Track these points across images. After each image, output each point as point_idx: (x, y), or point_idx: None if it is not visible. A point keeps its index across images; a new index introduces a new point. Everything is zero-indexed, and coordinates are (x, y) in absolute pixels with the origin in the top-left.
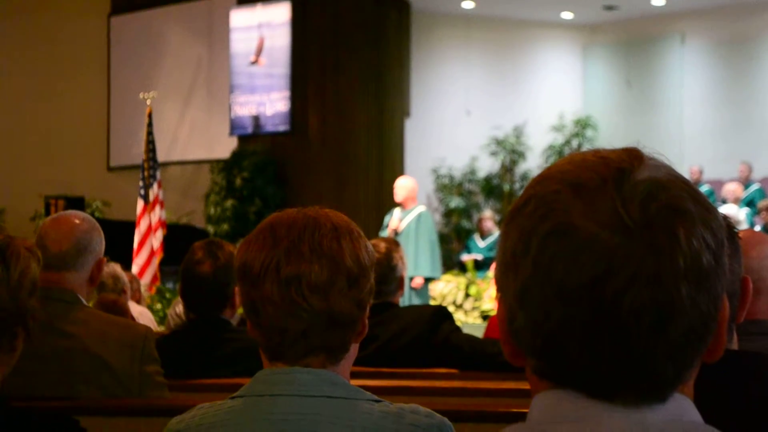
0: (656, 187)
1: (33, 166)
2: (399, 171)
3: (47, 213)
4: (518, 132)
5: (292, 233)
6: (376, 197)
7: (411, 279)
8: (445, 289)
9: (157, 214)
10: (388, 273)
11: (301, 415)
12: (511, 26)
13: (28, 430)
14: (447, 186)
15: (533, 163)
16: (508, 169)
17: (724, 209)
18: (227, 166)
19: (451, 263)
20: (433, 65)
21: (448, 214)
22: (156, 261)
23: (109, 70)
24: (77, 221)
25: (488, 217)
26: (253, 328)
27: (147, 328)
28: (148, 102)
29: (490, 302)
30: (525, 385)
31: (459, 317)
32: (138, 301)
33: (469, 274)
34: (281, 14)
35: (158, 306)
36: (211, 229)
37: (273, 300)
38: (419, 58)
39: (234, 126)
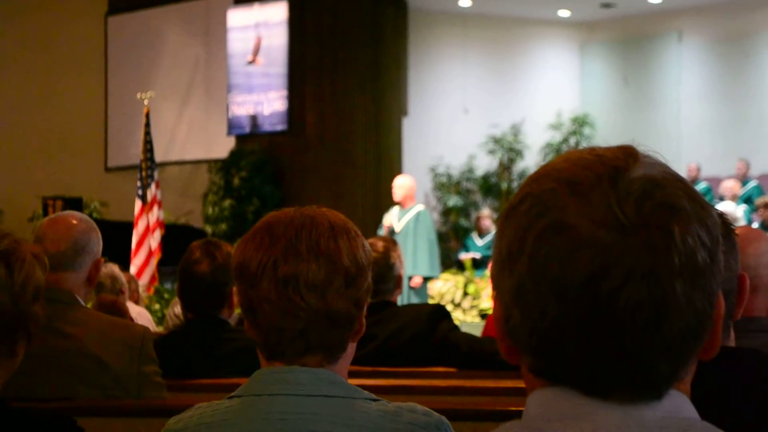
0: (651, 184)
1: (31, 166)
2: (397, 170)
3: (45, 214)
4: (516, 130)
5: (290, 232)
6: (374, 196)
7: (410, 278)
8: (444, 288)
9: (155, 214)
10: (386, 272)
11: (299, 415)
12: (508, 24)
13: (26, 430)
14: (445, 184)
15: (531, 161)
16: (505, 168)
17: (722, 206)
18: (225, 166)
19: (449, 262)
20: (430, 64)
21: (446, 212)
22: (154, 261)
23: (106, 70)
24: (75, 222)
25: (486, 215)
26: (250, 328)
27: (145, 329)
28: (146, 102)
29: (488, 301)
30: (523, 384)
31: (457, 316)
32: (136, 302)
33: (468, 273)
34: (278, 14)
35: (156, 306)
36: (209, 229)
37: (270, 299)
38: (417, 56)
39: (231, 126)
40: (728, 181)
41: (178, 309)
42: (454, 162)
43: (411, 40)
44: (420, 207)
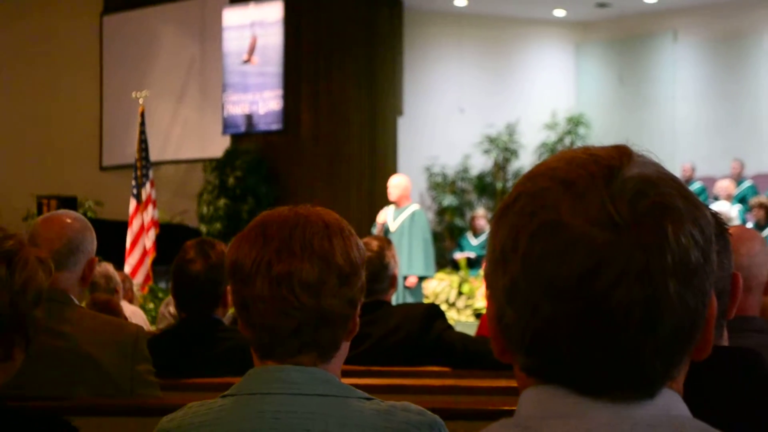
0: (645, 184)
1: (25, 165)
2: (392, 169)
3: (39, 213)
4: (511, 130)
5: (284, 231)
6: (369, 196)
7: (405, 278)
8: (438, 288)
9: (149, 213)
10: (381, 271)
11: (292, 413)
12: (503, 24)
13: (20, 430)
14: (440, 184)
15: (526, 161)
16: (500, 167)
17: (717, 206)
18: (220, 165)
19: (444, 261)
20: (425, 63)
21: (441, 212)
22: (148, 260)
23: (101, 69)
24: (69, 221)
25: (481, 215)
26: (244, 327)
27: (139, 328)
28: (141, 101)
29: (482, 300)
30: (517, 383)
31: (452, 315)
32: (130, 301)
33: (462, 273)
34: (274, 13)
35: (151, 305)
36: (203, 228)
37: (264, 298)
38: (412, 56)
39: (227, 125)
40: (723, 181)
41: (173, 308)
42: (449, 161)
43: (406, 40)
44: (415, 206)
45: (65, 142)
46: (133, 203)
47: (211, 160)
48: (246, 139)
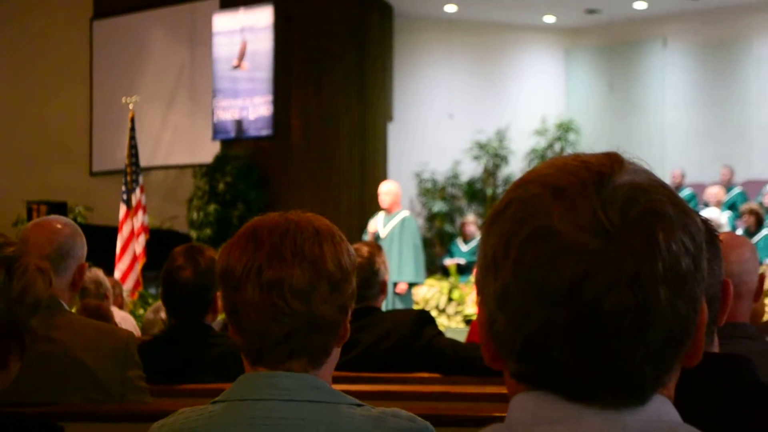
0: (636, 191)
1: (15, 170)
2: (382, 175)
3: (29, 218)
4: (501, 136)
5: (274, 237)
6: (359, 201)
7: (395, 284)
8: (428, 294)
9: (139, 219)
10: (371, 277)
11: (283, 419)
12: (493, 30)
13: None
14: (430, 190)
15: (516, 167)
16: (490, 173)
17: (706, 213)
18: (210, 171)
19: (434, 267)
20: (415, 69)
21: (431, 218)
22: (138, 266)
23: (91, 75)
24: (59, 226)
25: (471, 221)
26: (235, 333)
27: (129, 333)
28: (131, 106)
29: (473, 306)
30: (507, 390)
31: (442, 322)
32: (120, 307)
33: (452, 279)
34: (264, 18)
35: (141, 311)
36: (193, 233)
37: (255, 304)
38: (402, 62)
39: (217, 130)
40: (713, 188)
41: (164, 313)
42: (440, 167)
43: (396, 46)
44: (405, 213)
45: (55, 147)
46: (123, 209)
47: (201, 166)
48: (236, 144)
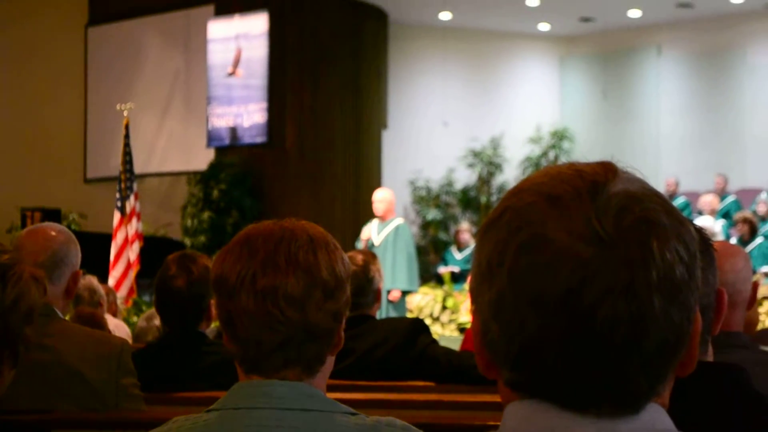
0: (630, 199)
1: (9, 177)
2: (376, 183)
3: (23, 225)
4: (495, 144)
5: (268, 245)
6: (353, 209)
7: (388, 292)
8: (422, 302)
9: (133, 226)
10: (365, 285)
11: (277, 428)
12: (488, 38)
13: None
14: (424, 198)
15: (510, 175)
16: (485, 181)
17: (700, 221)
18: (204, 178)
19: (428, 275)
20: (410, 77)
21: (425, 226)
22: (132, 273)
23: (86, 81)
24: (53, 233)
25: (465, 229)
26: (229, 341)
27: (123, 341)
28: (125, 113)
29: (467, 315)
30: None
31: (436, 330)
32: (114, 314)
33: (446, 287)
34: (259, 25)
35: (134, 319)
36: (188, 241)
37: (249, 312)
38: (396, 69)
39: (211, 137)
40: (707, 196)
41: (158, 320)
42: (434, 175)
43: (391, 53)
44: (399, 220)
45: (49, 154)
46: (117, 216)
47: (195, 173)
48: (230, 151)
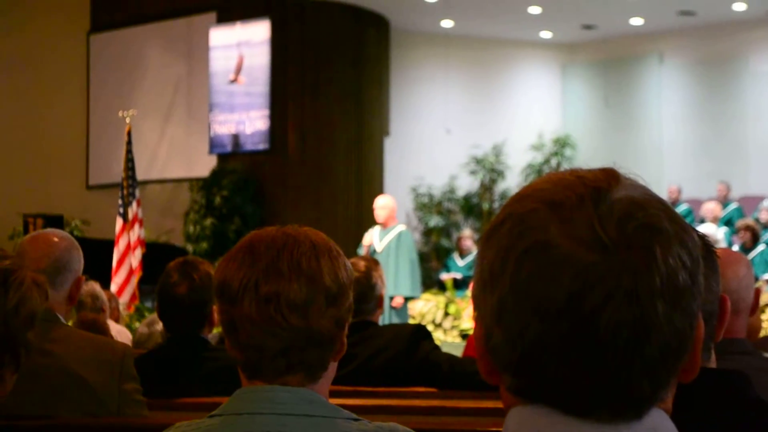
0: (633, 206)
1: (12, 183)
2: (378, 190)
3: (26, 231)
4: (497, 151)
5: (271, 251)
6: (355, 216)
7: (391, 298)
8: (425, 308)
9: (136, 232)
10: (368, 292)
11: None
12: (490, 45)
13: None
14: (426, 205)
15: (512, 182)
16: (487, 188)
17: (703, 228)
18: (206, 185)
19: (430, 282)
20: (412, 84)
21: (428, 232)
22: (135, 280)
23: (88, 88)
24: (56, 239)
25: (467, 236)
26: (231, 347)
27: (126, 346)
28: (128, 120)
29: (469, 321)
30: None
31: (438, 336)
32: (116, 320)
33: (449, 293)
34: (260, 33)
35: (137, 324)
36: (190, 247)
37: (252, 318)
38: (398, 76)
39: (213, 144)
40: (709, 203)
41: (160, 325)
42: (436, 182)
43: (393, 61)
44: (401, 227)
45: (52, 160)
46: (119, 222)
47: (197, 180)
48: (232, 158)
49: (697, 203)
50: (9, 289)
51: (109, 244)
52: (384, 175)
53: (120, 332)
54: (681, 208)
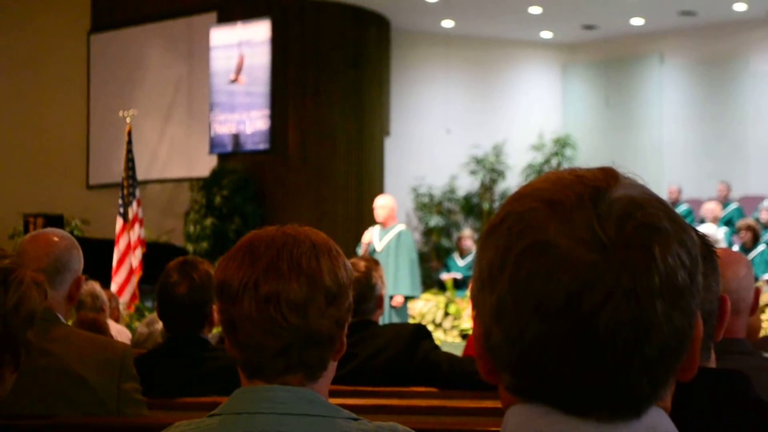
0: (632, 205)
1: (12, 183)
2: (378, 190)
3: (26, 231)
4: (498, 151)
5: (271, 251)
6: (356, 216)
7: (391, 298)
8: (425, 308)
9: (136, 232)
10: (368, 291)
11: None
12: (490, 45)
13: None
14: (426, 205)
15: (512, 182)
16: (487, 188)
17: (703, 228)
18: (207, 185)
19: (430, 282)
20: (412, 84)
21: (428, 232)
22: (135, 279)
23: (88, 88)
24: (56, 239)
25: (467, 235)
26: (231, 346)
27: (126, 346)
28: (128, 120)
29: (469, 321)
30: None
31: (438, 336)
32: (116, 320)
33: (449, 293)
34: (261, 33)
35: (137, 324)
36: (190, 247)
37: (251, 318)
38: (399, 76)
39: (214, 144)
40: (709, 203)
41: (159, 325)
42: (436, 182)
43: (393, 61)
44: (401, 227)
45: (52, 160)
46: (119, 222)
47: (197, 180)
48: (233, 158)
49: (697, 203)
50: (8, 289)
51: (110, 244)
52: (384, 175)
53: (120, 332)
54: (681, 208)
